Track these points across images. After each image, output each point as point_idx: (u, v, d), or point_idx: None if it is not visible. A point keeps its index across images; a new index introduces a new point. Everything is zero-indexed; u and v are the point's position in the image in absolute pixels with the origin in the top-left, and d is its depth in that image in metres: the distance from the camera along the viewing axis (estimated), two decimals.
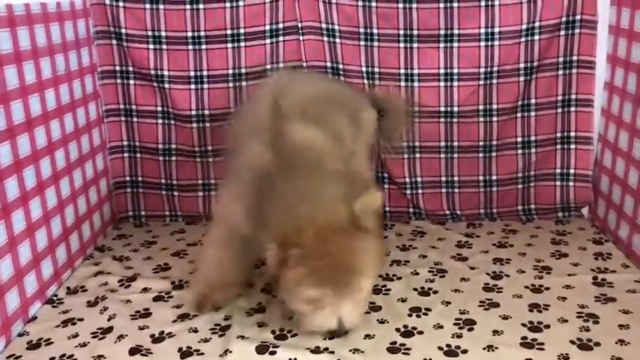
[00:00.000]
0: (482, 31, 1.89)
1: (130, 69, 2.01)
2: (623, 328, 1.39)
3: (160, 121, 2.06)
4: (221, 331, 1.45)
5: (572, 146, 1.99)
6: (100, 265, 1.82)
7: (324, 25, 1.93)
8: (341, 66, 1.96)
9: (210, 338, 1.42)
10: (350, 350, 1.35)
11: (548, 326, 1.41)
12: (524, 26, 1.88)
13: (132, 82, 2.02)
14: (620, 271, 1.66)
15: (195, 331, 1.46)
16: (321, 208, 1.24)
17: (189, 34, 1.95)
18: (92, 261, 1.85)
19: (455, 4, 1.87)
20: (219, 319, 1.50)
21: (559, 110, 1.98)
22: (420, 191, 2.06)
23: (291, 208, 1.25)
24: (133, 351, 1.38)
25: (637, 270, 1.65)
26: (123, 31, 1.95)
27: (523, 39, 1.89)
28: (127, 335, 1.44)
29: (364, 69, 1.96)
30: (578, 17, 1.88)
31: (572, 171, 2.01)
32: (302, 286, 1.26)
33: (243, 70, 1.99)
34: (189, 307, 1.55)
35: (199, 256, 1.63)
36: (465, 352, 1.33)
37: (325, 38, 1.95)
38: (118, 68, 2.01)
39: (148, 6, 1.94)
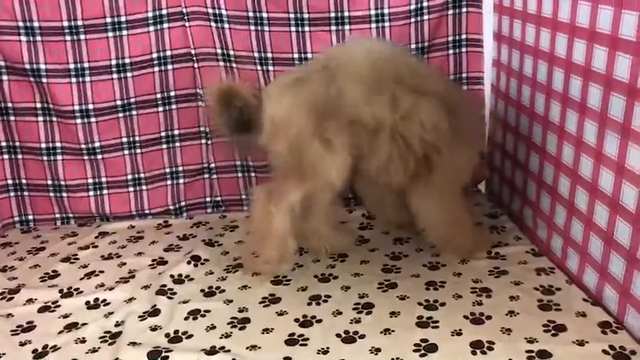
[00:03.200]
0: (373, 12, 1.88)
1: (2, 64, 1.86)
2: (513, 299, 1.43)
3: (40, 118, 1.92)
4: (111, 338, 1.38)
5: None
6: None
7: (210, 10, 1.85)
8: (232, 52, 1.90)
9: (99, 347, 1.35)
10: (247, 347, 1.31)
11: (443, 304, 1.43)
12: (412, 6, 1.88)
13: (5, 77, 1.87)
14: (513, 244, 1.71)
15: (83, 341, 1.37)
16: None
17: (65, 23, 1.82)
18: None
19: None
20: (110, 326, 1.42)
21: None
22: None
23: None
24: None
25: (528, 242, 1.71)
26: None
27: (413, 19, 1.89)
28: (3, 354, 1.33)
29: (256, 54, 1.90)
30: None
31: None
32: None
33: (127, 61, 1.88)
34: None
35: None
36: (362, 337, 1.32)
37: (213, 24, 1.87)
38: None
39: None
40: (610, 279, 1.34)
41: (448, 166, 1.53)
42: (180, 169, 2.03)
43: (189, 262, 1.70)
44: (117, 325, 1.43)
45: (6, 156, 1.96)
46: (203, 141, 2.00)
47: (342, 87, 1.46)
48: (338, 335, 1.34)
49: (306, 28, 1.89)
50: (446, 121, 1.49)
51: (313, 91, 1.47)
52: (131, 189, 2.01)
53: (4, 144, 1.95)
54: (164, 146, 1.99)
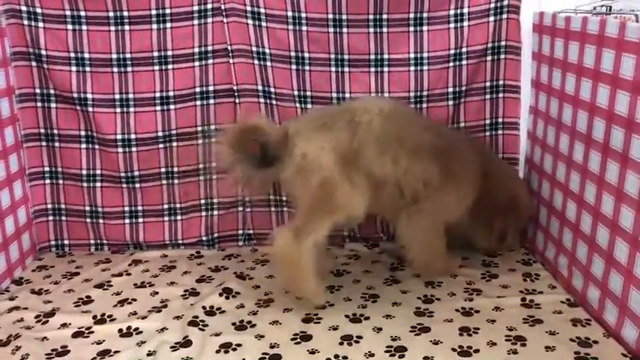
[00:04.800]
0: (412, 56, 1.91)
1: (52, 92, 1.92)
2: (549, 349, 1.41)
3: (83, 145, 1.97)
4: None
5: None
6: (16, 300, 1.71)
7: (254, 48, 1.91)
8: (272, 89, 1.94)
9: None
10: None
11: (477, 350, 1.41)
12: (452, 51, 1.91)
13: (53, 105, 1.94)
14: (547, 292, 1.69)
15: None
16: None
17: (114, 55, 1.89)
18: (7, 295, 1.74)
19: (384, 30, 1.89)
20: (142, 355, 1.43)
21: (487, 133, 2.01)
22: None
23: None
24: None
25: (562, 291, 1.69)
26: (43, 52, 1.87)
27: (451, 64, 1.92)
28: None
29: (296, 92, 1.94)
30: (503, 43, 1.93)
31: None
32: None
33: (171, 94, 1.93)
34: None
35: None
36: None
37: (256, 61, 1.92)
38: (38, 91, 1.92)
39: (70, 27, 1.86)
40: None
41: (435, 201, 1.72)
42: (215, 200, 2.05)
43: (220, 294, 1.71)
44: (149, 354, 1.43)
45: (48, 181, 2.01)
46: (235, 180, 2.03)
47: (361, 146, 1.64)
48: None
49: (346, 69, 1.93)
50: (436, 170, 1.69)
51: (340, 141, 1.63)
52: (166, 218, 2.04)
53: (47, 169, 2.00)
54: (201, 178, 2.03)
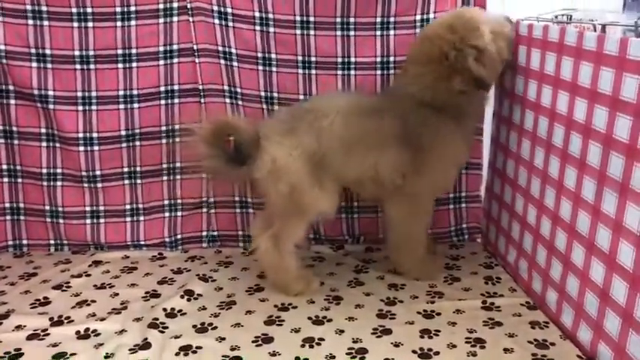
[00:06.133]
0: (379, 60, 1.92)
1: (11, 88, 1.88)
2: (507, 351, 1.43)
3: (44, 143, 1.93)
4: None
5: (464, 171, 2.05)
6: None
7: (220, 48, 1.89)
8: (239, 90, 1.93)
9: None
10: None
11: (437, 353, 1.43)
12: None
13: (12, 101, 1.89)
14: (508, 295, 1.71)
15: None
16: None
17: (77, 52, 1.86)
18: None
19: (352, 33, 1.89)
20: (100, 358, 1.41)
21: None
22: None
23: None
24: None
25: (523, 294, 1.71)
26: (2, 47, 1.83)
27: None
28: None
29: (262, 93, 1.93)
30: None
31: (463, 194, 2.07)
32: None
33: (135, 92, 1.91)
34: None
35: None
36: None
37: (222, 61, 1.91)
38: None
39: (30, 22, 1.83)
40: (605, 336, 1.34)
41: (418, 185, 1.71)
42: (179, 201, 2.03)
43: (182, 297, 1.69)
44: (106, 357, 1.41)
45: (6, 179, 1.96)
46: (204, 175, 2.02)
47: (327, 151, 1.65)
48: None
49: (313, 71, 1.93)
50: (407, 156, 1.66)
51: (306, 146, 1.65)
52: (128, 219, 2.01)
53: (4, 167, 1.95)
54: (164, 178, 2.00)
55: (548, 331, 1.51)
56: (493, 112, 1.99)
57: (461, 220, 2.09)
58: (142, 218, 2.02)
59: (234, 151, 1.64)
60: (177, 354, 1.42)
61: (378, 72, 1.93)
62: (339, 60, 1.91)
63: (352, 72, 1.93)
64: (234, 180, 1.89)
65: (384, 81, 1.93)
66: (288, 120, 1.70)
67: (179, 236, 2.05)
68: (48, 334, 1.51)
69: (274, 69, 1.91)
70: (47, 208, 1.99)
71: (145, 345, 1.45)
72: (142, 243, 2.03)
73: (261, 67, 1.91)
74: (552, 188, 1.57)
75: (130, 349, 1.43)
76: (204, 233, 2.07)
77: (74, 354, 1.42)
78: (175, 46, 1.89)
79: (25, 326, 1.54)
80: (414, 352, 1.43)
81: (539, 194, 1.64)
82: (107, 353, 1.42)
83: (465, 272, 1.86)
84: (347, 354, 1.42)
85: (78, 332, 1.51)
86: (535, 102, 1.66)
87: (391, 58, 1.92)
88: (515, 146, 1.81)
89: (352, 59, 1.91)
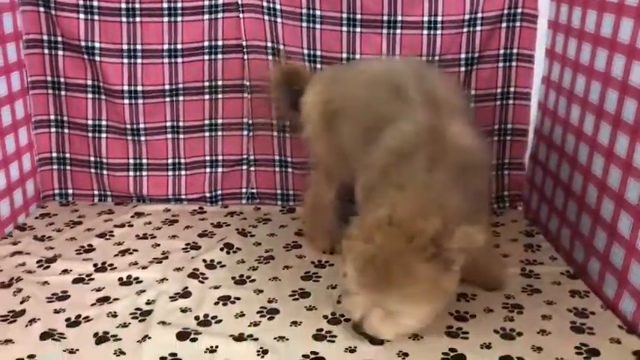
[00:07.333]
0: (426, 19, 1.87)
1: (59, 39, 1.90)
2: (545, 318, 1.41)
3: (89, 95, 1.96)
4: (141, 316, 1.40)
5: (509, 137, 2.01)
6: (18, 245, 1.73)
7: (265, 4, 1.87)
8: (282, 47, 1.91)
9: (130, 323, 1.37)
10: (274, 338, 1.32)
11: (474, 316, 1.42)
12: (466, 16, 1.87)
13: (60, 52, 1.92)
14: (548, 263, 1.68)
15: (115, 315, 1.40)
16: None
17: (123, 5, 1.86)
18: (10, 240, 1.75)
19: None
20: (141, 303, 1.44)
21: (498, 102, 1.98)
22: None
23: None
24: (45, 335, 1.31)
25: (563, 262, 1.68)
26: None
27: (465, 29, 1.89)
28: (39, 319, 1.36)
29: (305, 51, 1.91)
30: (519, 10, 1.89)
31: (507, 161, 2.02)
32: (350, 259, 1.21)
33: (179, 47, 1.91)
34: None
35: None
36: (388, 340, 1.32)
37: (266, 17, 1.89)
38: (45, 37, 1.90)
39: None
40: None
41: None
42: (220, 158, 2.05)
43: (221, 249, 1.71)
44: (148, 303, 1.45)
45: (53, 129, 2.01)
46: (245, 132, 2.02)
47: (341, 125, 1.56)
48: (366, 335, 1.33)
49: (357, 29, 1.89)
50: None
51: (328, 99, 1.60)
52: (170, 173, 2.04)
53: (52, 117, 1.99)
54: (206, 134, 2.02)
55: (588, 301, 1.49)
56: (542, 77, 1.93)
57: (502, 187, 2.06)
58: (183, 173, 2.04)
59: (296, 96, 1.70)
60: (216, 303, 1.45)
61: (425, 32, 1.88)
62: (385, 19, 1.87)
63: (398, 31, 1.88)
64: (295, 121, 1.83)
65: (430, 42, 1.89)
66: (337, 70, 1.71)
67: (219, 192, 2.07)
68: (92, 279, 1.56)
69: (318, 26, 1.89)
70: (92, 159, 2.03)
71: (185, 294, 1.49)
72: (183, 197, 2.06)
73: (305, 24, 1.89)
74: (601, 156, 1.52)
75: (170, 297, 1.47)
76: (244, 190, 2.09)
77: (117, 299, 1.46)
78: (220, 1, 1.88)
79: (71, 270, 1.59)
80: (450, 314, 1.42)
81: (587, 162, 1.60)
82: (148, 300, 1.46)
83: (505, 239, 1.84)
84: None
85: (120, 279, 1.56)
86: (588, 66, 1.60)
87: (439, 18, 1.87)
88: (564, 112, 1.75)
89: (399, 18, 1.87)
